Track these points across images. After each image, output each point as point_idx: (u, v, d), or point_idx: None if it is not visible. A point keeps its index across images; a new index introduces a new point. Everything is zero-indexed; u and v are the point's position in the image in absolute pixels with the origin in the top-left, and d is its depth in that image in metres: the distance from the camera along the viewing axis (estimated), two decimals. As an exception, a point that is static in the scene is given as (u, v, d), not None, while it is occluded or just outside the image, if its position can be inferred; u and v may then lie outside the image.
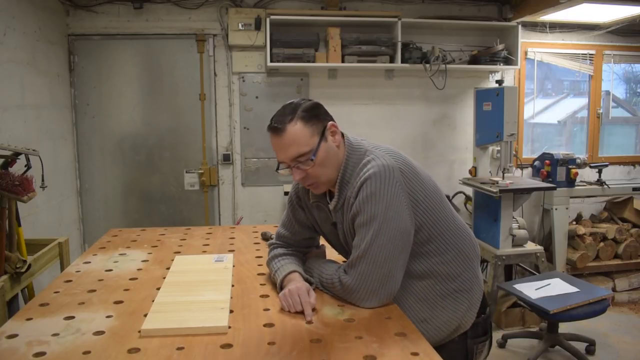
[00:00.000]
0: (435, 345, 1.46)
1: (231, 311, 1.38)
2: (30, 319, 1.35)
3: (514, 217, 3.61)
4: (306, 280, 1.50)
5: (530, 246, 3.63)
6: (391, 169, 1.36)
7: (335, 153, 1.43)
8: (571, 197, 4.04)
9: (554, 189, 3.71)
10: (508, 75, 4.28)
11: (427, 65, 3.83)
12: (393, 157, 1.42)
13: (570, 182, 3.99)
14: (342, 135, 1.49)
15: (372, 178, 1.35)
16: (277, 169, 1.47)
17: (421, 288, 1.45)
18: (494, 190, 3.40)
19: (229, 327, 1.28)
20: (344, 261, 1.58)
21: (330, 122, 1.42)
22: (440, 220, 1.44)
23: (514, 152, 3.74)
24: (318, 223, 1.61)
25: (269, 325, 1.31)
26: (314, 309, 1.37)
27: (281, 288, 1.47)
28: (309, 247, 1.69)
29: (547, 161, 4.03)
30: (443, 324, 1.45)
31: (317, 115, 1.40)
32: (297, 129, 1.36)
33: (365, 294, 1.38)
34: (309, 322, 1.31)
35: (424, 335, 1.32)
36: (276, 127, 1.37)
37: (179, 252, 1.98)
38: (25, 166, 2.18)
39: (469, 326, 1.50)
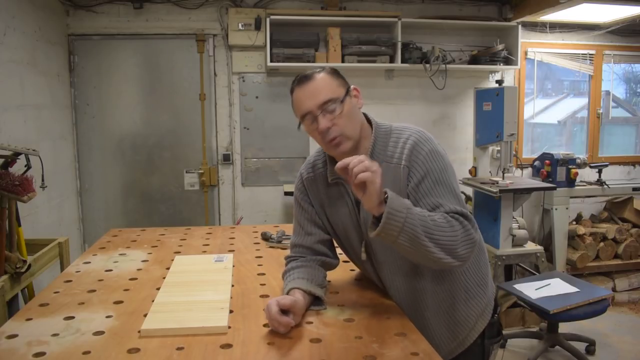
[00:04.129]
0: (459, 350, 1.49)
1: (231, 311, 1.38)
2: (30, 319, 1.35)
3: (514, 217, 3.61)
4: (308, 292, 1.37)
5: (530, 246, 3.63)
6: (426, 132, 1.40)
7: (358, 113, 1.41)
8: (571, 197, 4.04)
9: (554, 189, 3.71)
10: (508, 75, 4.28)
11: (427, 65, 3.83)
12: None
13: (570, 182, 3.99)
14: (366, 115, 1.47)
15: (421, 140, 1.35)
16: (299, 125, 1.42)
17: (446, 281, 1.43)
18: (494, 190, 3.40)
19: (229, 327, 1.28)
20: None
21: (353, 86, 1.43)
22: None
23: (514, 152, 3.74)
24: (328, 213, 1.49)
25: (269, 325, 1.31)
26: (299, 325, 1.28)
27: None
28: (326, 255, 1.54)
29: (547, 161, 4.03)
30: (463, 318, 1.46)
31: (340, 75, 1.42)
32: (325, 77, 1.38)
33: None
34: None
35: (444, 330, 1.38)
36: (305, 75, 1.38)
37: (179, 252, 1.98)
38: (25, 166, 2.18)
39: (486, 324, 1.50)
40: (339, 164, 1.22)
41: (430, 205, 1.30)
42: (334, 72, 1.41)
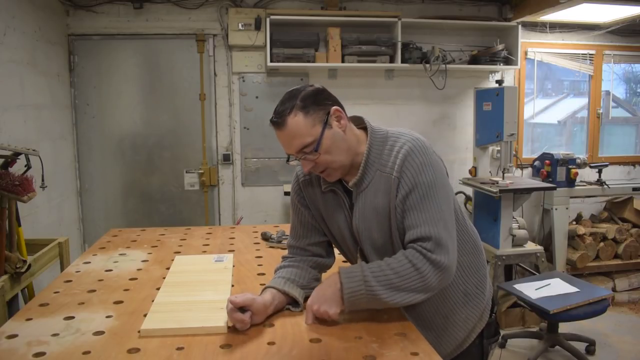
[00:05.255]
0: (458, 351, 1.48)
1: (231, 311, 1.38)
2: (30, 319, 1.35)
3: (514, 217, 3.62)
4: (283, 292, 1.38)
5: (530, 246, 3.63)
6: (423, 140, 1.35)
7: (342, 138, 1.33)
8: (571, 197, 4.04)
9: (554, 189, 3.71)
10: (508, 75, 4.28)
11: (427, 65, 3.83)
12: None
13: (570, 182, 3.99)
14: (363, 119, 1.44)
15: (414, 151, 1.31)
16: (288, 160, 1.40)
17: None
18: (494, 190, 3.40)
19: (229, 327, 1.28)
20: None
21: (334, 107, 1.33)
22: (456, 203, 1.42)
23: (514, 152, 3.74)
24: (325, 216, 1.47)
25: (269, 325, 1.31)
26: (265, 324, 1.31)
27: None
28: (320, 256, 1.53)
29: (547, 161, 4.03)
30: (462, 320, 1.45)
31: (317, 102, 1.31)
32: (297, 121, 1.29)
33: (454, 265, 1.29)
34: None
35: (443, 333, 1.37)
36: (276, 122, 1.32)
37: (179, 252, 1.98)
38: (25, 166, 2.18)
39: (484, 325, 1.50)
40: (307, 322, 1.32)
41: (411, 223, 1.29)
42: (308, 107, 1.30)
